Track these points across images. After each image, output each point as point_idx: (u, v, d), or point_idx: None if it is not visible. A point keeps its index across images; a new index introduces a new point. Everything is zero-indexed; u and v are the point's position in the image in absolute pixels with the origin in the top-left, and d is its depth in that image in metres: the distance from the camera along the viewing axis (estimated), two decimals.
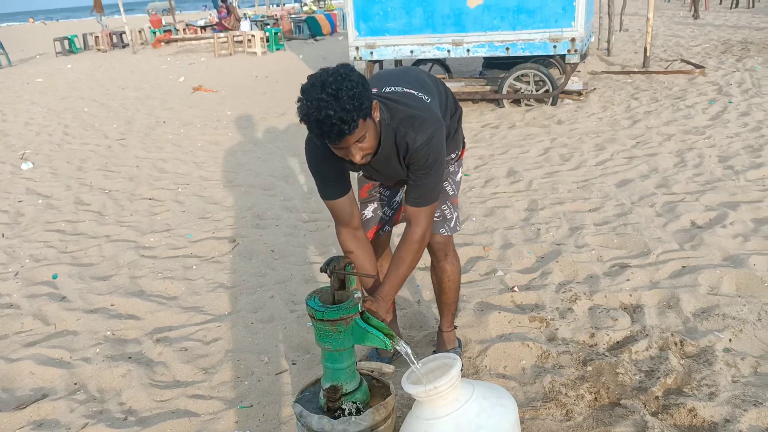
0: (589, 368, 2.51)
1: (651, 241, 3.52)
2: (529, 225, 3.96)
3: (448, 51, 7.42)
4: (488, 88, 8.00)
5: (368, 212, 2.52)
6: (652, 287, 3.05)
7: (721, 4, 20.29)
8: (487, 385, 1.96)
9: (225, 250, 3.95)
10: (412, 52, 7.55)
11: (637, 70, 9.18)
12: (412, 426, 1.93)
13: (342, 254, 2.10)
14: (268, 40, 15.47)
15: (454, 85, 7.96)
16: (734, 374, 2.38)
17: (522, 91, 7.57)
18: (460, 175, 2.49)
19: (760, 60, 9.12)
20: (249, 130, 7.42)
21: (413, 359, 1.88)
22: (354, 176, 2.34)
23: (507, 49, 7.21)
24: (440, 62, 8.89)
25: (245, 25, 16.21)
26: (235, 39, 15.80)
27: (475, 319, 2.94)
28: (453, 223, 2.45)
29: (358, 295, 1.90)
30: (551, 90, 7.41)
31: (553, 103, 7.50)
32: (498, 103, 7.73)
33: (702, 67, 8.76)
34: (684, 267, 3.23)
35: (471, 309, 3.01)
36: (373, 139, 1.89)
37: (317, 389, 2.03)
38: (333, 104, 1.67)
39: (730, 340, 2.60)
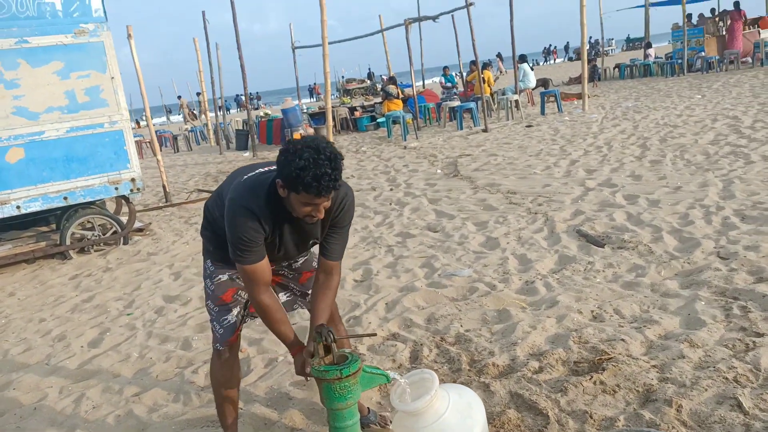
0: None
1: None
2: None
3: None
4: (43, 244, 7.38)
5: (232, 316, 2.64)
6: None
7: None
8: (458, 391, 2.43)
9: None
10: None
11: (164, 204, 10.05)
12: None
13: (320, 323, 2.27)
14: None
15: None
16: None
17: (89, 237, 7.35)
18: None
19: None
20: None
21: (398, 376, 2.29)
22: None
23: (65, 198, 6.96)
24: None
25: None
26: None
27: None
28: None
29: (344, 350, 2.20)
30: (119, 231, 7.50)
31: (126, 243, 7.58)
32: (64, 256, 7.25)
33: None
34: None
35: None
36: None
37: None
38: (330, 164, 2.06)
39: None
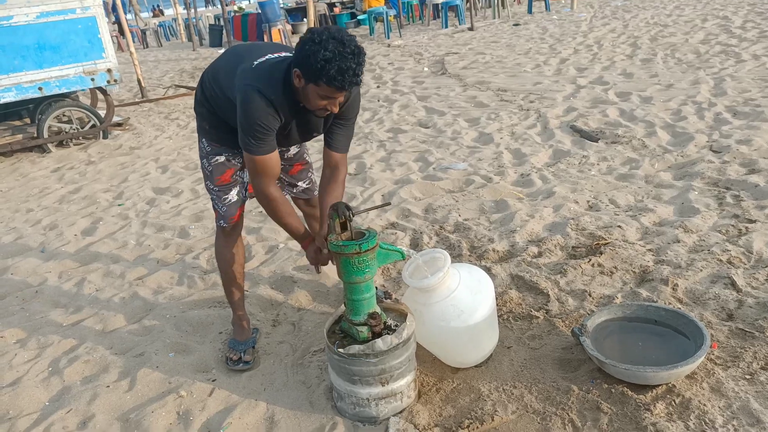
0: None
1: None
2: None
3: None
4: (20, 136, 7.14)
5: (233, 195, 2.61)
6: None
7: None
8: (468, 269, 2.49)
9: None
10: None
11: (141, 100, 9.70)
12: (411, 307, 2.35)
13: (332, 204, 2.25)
14: None
15: None
16: None
17: (67, 131, 7.11)
18: None
19: None
20: None
21: (414, 253, 2.32)
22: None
23: (40, 89, 6.65)
24: None
25: None
26: None
27: None
28: None
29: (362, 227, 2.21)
30: (98, 124, 7.26)
31: (105, 137, 7.37)
32: (42, 149, 7.03)
33: (193, 88, 10.00)
34: None
35: None
36: None
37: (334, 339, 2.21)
38: (355, 59, 1.97)
39: None
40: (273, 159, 2.25)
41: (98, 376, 2.66)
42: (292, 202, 2.84)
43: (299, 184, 2.83)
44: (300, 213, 2.77)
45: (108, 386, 2.57)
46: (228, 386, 2.51)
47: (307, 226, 3.00)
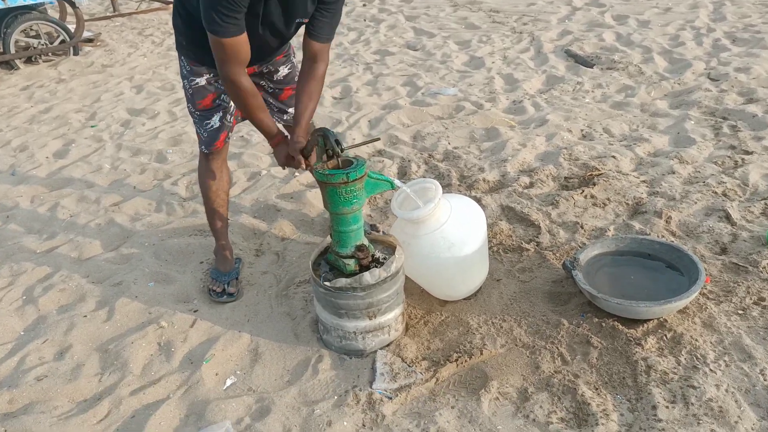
0: None
1: None
2: None
3: None
4: None
5: (215, 121, 2.44)
6: None
7: None
8: (459, 200, 2.38)
9: None
10: None
11: (112, 14, 9.16)
12: (399, 239, 2.26)
13: (320, 127, 2.09)
14: None
15: None
16: None
17: (35, 46, 6.71)
18: None
19: None
20: None
21: (402, 184, 2.20)
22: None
23: (4, 0, 6.21)
24: None
25: None
26: None
27: None
28: None
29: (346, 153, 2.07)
30: (68, 40, 6.85)
31: (76, 53, 6.97)
32: (10, 65, 6.65)
33: (170, 2, 9.45)
34: None
35: None
36: None
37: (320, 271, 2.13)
38: None
39: None
40: (239, 41, 1.97)
41: (75, 306, 2.57)
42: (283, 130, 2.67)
43: (290, 110, 2.60)
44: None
45: (85, 316, 2.49)
46: (210, 317, 2.44)
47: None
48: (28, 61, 6.77)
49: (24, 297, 2.65)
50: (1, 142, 4.50)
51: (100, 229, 3.15)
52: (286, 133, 2.30)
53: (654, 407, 1.84)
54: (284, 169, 2.36)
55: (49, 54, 6.85)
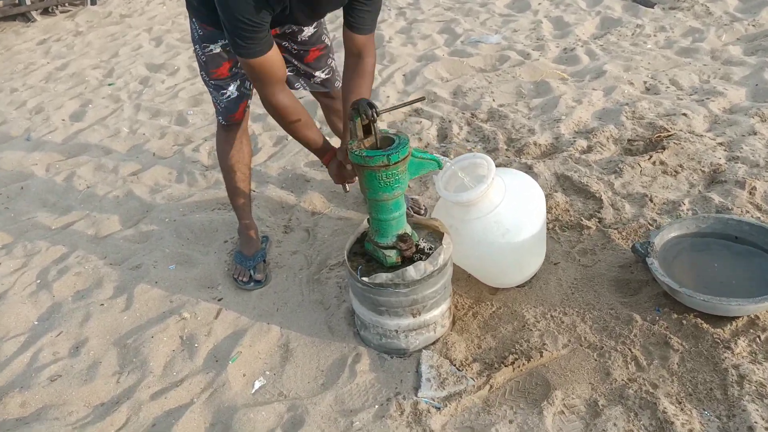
0: None
1: None
2: None
3: None
4: (0, 3, 6.47)
5: (232, 90, 2.15)
6: None
7: None
8: (514, 177, 2.05)
9: None
10: None
11: None
12: (445, 223, 1.97)
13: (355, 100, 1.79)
14: None
15: None
16: None
17: None
18: None
19: None
20: None
21: (449, 161, 1.90)
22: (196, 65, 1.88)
23: None
24: None
25: None
26: None
27: None
28: None
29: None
30: None
31: (93, 3, 6.67)
32: (26, 17, 6.39)
33: None
34: None
35: None
36: None
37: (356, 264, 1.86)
38: None
39: None
40: (271, 59, 1.77)
41: (91, 292, 2.37)
42: (311, 95, 2.39)
43: (317, 74, 2.30)
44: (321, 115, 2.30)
45: (102, 304, 2.29)
46: (236, 306, 2.22)
47: (331, 127, 2.56)
48: (45, 12, 6.51)
49: (38, 281, 2.47)
50: (16, 103, 4.28)
51: (118, 203, 2.93)
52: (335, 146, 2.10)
53: (751, 429, 1.56)
54: (343, 188, 2.14)
55: (66, 4, 6.56)
